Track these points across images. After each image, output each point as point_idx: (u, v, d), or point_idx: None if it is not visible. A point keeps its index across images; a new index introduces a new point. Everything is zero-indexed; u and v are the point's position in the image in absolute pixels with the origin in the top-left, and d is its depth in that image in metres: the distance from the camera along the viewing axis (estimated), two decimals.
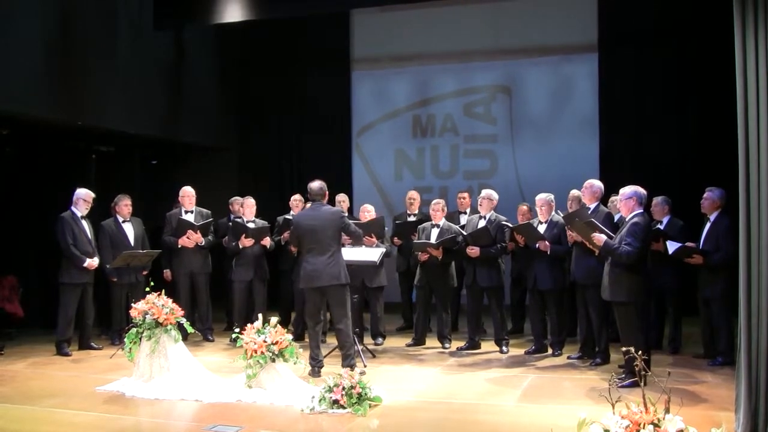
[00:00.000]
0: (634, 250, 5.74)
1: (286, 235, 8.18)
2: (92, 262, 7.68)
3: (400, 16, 11.00)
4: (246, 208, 8.24)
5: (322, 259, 6.35)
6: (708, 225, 6.73)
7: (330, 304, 6.51)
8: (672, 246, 6.75)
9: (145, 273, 8.07)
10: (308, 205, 7.92)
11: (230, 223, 8.25)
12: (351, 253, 7.09)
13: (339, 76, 11.47)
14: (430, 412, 5.35)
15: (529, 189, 9.58)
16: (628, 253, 5.74)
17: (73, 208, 7.72)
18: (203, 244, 8.16)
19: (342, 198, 8.50)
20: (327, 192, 6.66)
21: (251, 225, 8.09)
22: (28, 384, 6.35)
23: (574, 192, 7.15)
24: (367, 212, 7.98)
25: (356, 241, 6.95)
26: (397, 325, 8.93)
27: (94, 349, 7.76)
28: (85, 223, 7.76)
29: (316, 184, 6.61)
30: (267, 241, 8.17)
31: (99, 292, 8.21)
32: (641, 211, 5.93)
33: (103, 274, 7.97)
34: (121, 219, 8.14)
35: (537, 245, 7.00)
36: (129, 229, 8.14)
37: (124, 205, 8.12)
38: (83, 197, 7.74)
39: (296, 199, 8.55)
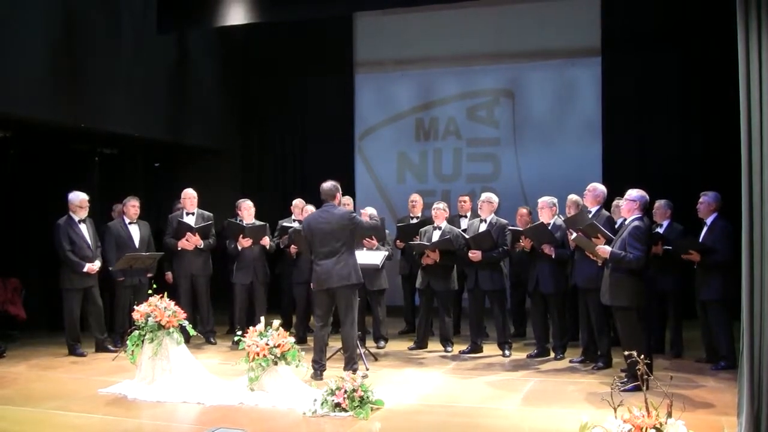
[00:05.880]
0: (642, 254, 5.77)
1: (285, 238, 8.18)
2: (92, 267, 7.65)
3: (403, 20, 11.00)
4: (244, 211, 8.19)
5: (332, 261, 6.30)
6: (705, 229, 6.74)
7: (338, 305, 6.46)
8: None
9: (149, 275, 8.06)
10: (308, 207, 7.98)
11: (226, 224, 8.19)
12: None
13: (342, 79, 11.45)
14: (432, 415, 5.35)
15: (532, 193, 9.56)
16: (638, 258, 5.74)
17: (70, 213, 7.68)
18: (202, 246, 8.15)
19: (347, 200, 8.45)
20: (339, 193, 6.55)
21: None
22: (30, 386, 6.36)
23: (572, 197, 7.13)
24: (369, 215, 7.98)
25: (377, 234, 6.87)
26: (400, 328, 8.91)
27: (110, 351, 7.66)
28: (84, 227, 7.71)
29: (327, 185, 6.52)
30: (266, 241, 8.13)
31: (103, 295, 8.20)
32: (641, 215, 5.94)
33: (108, 275, 7.96)
34: (128, 221, 8.10)
35: (541, 247, 7.00)
36: (135, 231, 8.10)
37: (131, 206, 8.08)
38: (77, 203, 7.67)
39: (297, 205, 8.48)
